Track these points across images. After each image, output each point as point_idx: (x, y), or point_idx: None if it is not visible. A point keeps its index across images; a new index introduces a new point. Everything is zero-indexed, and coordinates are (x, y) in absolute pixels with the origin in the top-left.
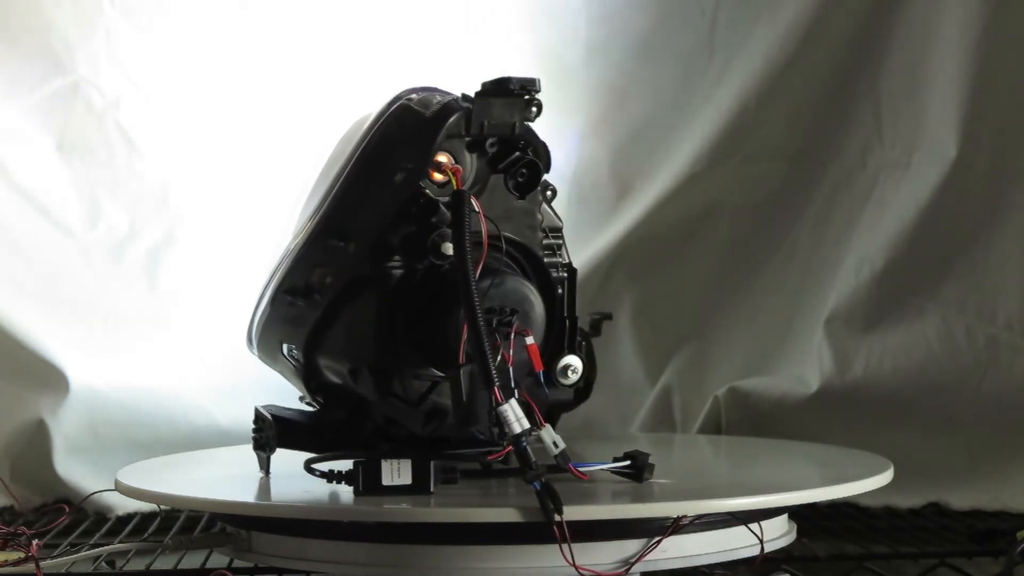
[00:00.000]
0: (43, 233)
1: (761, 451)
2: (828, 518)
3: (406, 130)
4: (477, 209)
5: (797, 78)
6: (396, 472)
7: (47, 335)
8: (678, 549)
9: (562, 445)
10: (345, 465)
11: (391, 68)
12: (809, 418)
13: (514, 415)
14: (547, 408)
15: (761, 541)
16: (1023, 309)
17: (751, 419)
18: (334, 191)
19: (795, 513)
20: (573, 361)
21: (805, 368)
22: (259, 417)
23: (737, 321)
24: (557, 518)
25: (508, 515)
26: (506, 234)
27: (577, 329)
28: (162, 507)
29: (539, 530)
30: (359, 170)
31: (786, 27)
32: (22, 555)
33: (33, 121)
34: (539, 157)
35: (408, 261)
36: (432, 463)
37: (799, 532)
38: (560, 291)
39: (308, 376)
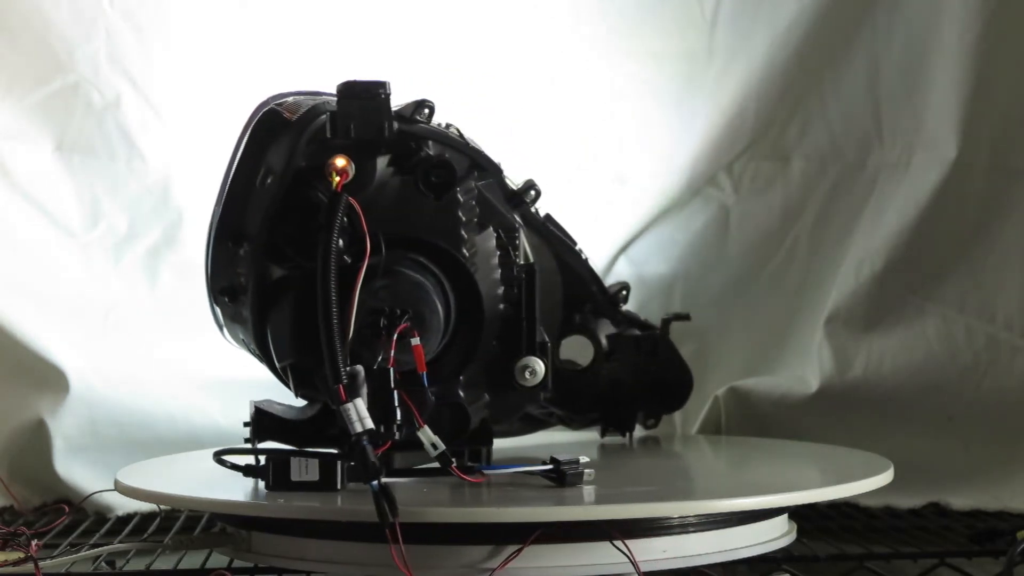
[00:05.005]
0: (43, 233)
1: (761, 451)
2: (828, 518)
3: (272, 134)
4: (358, 211)
5: (797, 78)
6: (304, 469)
7: (47, 335)
8: (678, 549)
9: (441, 447)
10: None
11: (387, 67)
12: (809, 418)
13: (356, 414)
14: (518, 411)
15: (633, 560)
16: (1023, 309)
17: (751, 419)
18: (223, 194)
19: (795, 513)
20: (531, 362)
21: (805, 368)
22: (251, 412)
23: (737, 321)
24: (391, 520)
25: (506, 515)
26: (422, 236)
27: (536, 330)
28: (162, 507)
29: (540, 531)
30: (236, 174)
31: (786, 27)
32: (22, 555)
33: (33, 121)
34: (477, 159)
35: (302, 262)
36: (339, 462)
37: (799, 532)
38: (515, 291)
39: (276, 372)
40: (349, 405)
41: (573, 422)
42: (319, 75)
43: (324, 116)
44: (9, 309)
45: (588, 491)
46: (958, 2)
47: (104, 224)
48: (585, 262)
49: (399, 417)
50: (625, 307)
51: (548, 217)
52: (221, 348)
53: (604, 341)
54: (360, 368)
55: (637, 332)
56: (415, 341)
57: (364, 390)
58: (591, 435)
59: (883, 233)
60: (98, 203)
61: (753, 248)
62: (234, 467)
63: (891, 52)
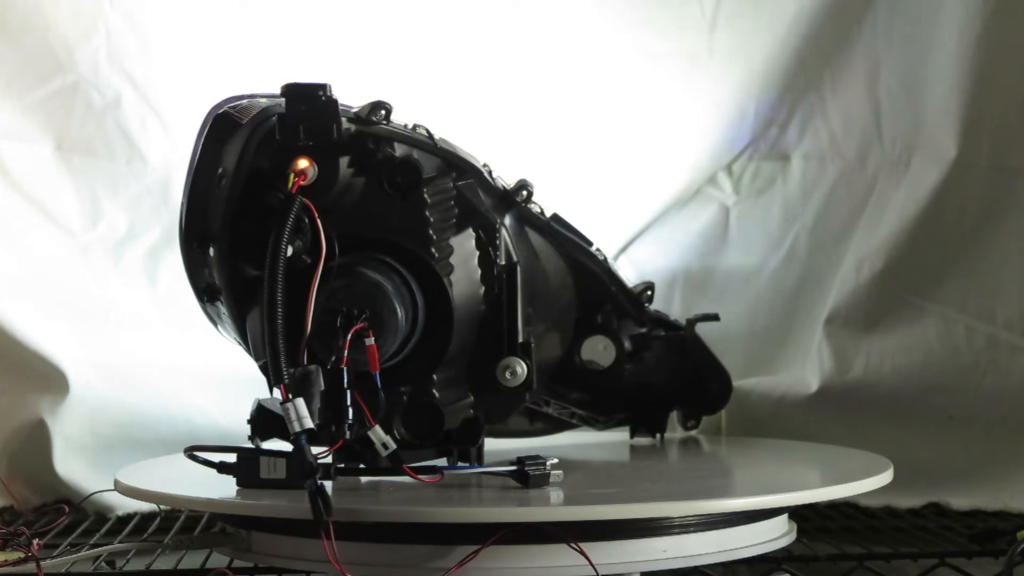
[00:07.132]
0: (43, 233)
1: (761, 451)
2: (828, 518)
3: (224, 137)
4: (312, 211)
5: (797, 78)
6: (272, 467)
7: (47, 335)
8: (678, 549)
9: (392, 447)
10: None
11: (387, 67)
12: (809, 418)
13: (296, 413)
14: (507, 412)
15: (591, 563)
16: (1023, 309)
17: (751, 419)
18: (186, 197)
19: (795, 513)
20: (512, 363)
21: (805, 368)
22: (252, 409)
23: (737, 321)
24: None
25: (508, 515)
26: (388, 237)
27: (517, 330)
28: (162, 507)
29: (540, 530)
30: (195, 177)
31: (787, 27)
32: (22, 555)
33: (33, 121)
34: (450, 159)
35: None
36: None
37: (799, 532)
38: (496, 291)
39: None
40: (289, 405)
41: (597, 423)
42: (318, 75)
43: (274, 118)
44: (9, 309)
45: (551, 492)
46: (958, 2)
47: (104, 224)
48: (603, 262)
49: (351, 416)
50: (651, 307)
51: (555, 217)
52: (221, 348)
53: (627, 341)
54: (313, 368)
55: (663, 332)
56: (369, 341)
57: (317, 389)
58: (622, 435)
59: (883, 233)
60: (98, 203)
61: (753, 248)
62: (207, 463)
63: (891, 52)
